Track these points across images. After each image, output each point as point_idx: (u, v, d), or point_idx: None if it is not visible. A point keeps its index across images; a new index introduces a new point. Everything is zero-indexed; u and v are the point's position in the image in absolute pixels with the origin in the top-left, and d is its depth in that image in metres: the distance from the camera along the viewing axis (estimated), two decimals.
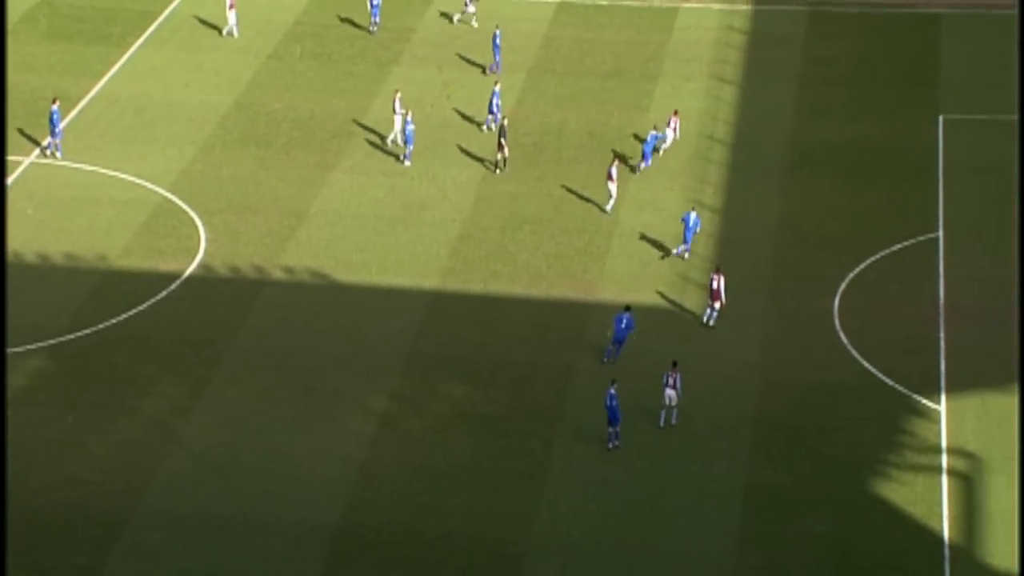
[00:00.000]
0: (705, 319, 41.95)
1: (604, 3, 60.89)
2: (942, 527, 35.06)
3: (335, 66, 56.71)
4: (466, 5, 58.63)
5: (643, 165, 49.29)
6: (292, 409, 39.33)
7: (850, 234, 45.88)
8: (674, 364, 38.19)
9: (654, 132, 49.71)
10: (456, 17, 58.74)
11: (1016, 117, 51.12)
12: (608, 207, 46.94)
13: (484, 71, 55.20)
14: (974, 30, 57.23)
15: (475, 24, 58.20)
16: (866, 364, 40.38)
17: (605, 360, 40.36)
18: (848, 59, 56.03)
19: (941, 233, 45.83)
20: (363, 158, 50.95)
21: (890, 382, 39.62)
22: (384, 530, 35.67)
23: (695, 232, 44.79)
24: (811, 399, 39.03)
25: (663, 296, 43.60)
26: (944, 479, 36.50)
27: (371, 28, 58.39)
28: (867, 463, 37.07)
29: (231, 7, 58.11)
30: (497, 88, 51.23)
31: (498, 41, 55.07)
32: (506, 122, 49.90)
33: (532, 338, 42.06)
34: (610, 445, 37.59)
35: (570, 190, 48.71)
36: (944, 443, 37.63)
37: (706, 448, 37.81)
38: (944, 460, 37.13)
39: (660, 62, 56.46)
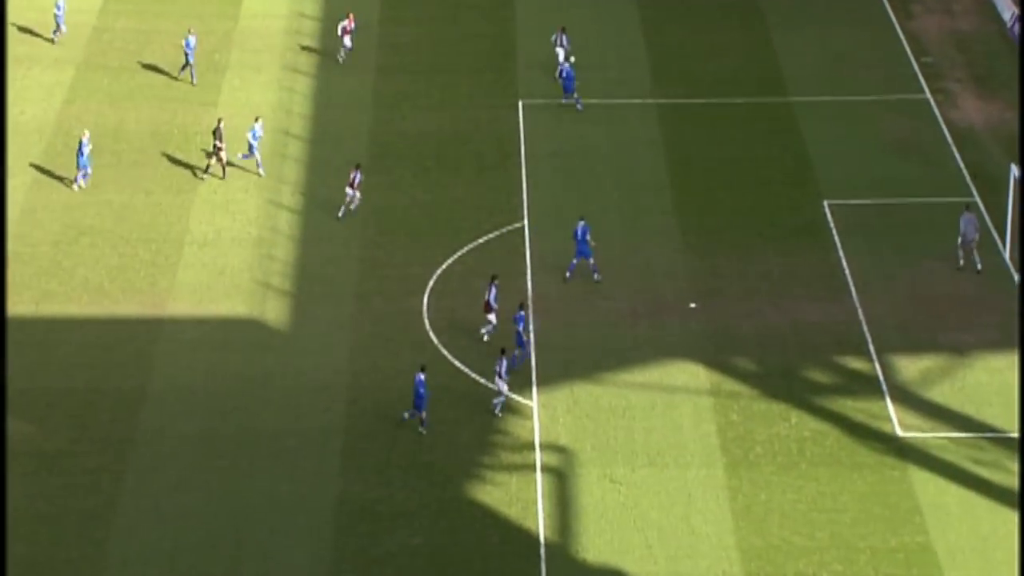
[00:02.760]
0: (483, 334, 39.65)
1: None
2: (538, 525, 34.26)
3: None
4: (341, 37, 52.29)
5: (567, 100, 49.80)
6: None
7: (436, 229, 44.57)
8: (502, 351, 37.30)
9: (566, 65, 49.68)
10: (340, 56, 52.51)
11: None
12: (340, 212, 44.11)
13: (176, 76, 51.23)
14: (547, 13, 56.94)
15: (342, 60, 52.55)
16: (458, 364, 39.10)
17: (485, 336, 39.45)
18: (425, 46, 54.74)
19: (526, 222, 45.09)
20: None
21: (483, 380, 38.42)
22: None
23: (588, 241, 41.34)
24: (403, 405, 37.38)
25: (242, 306, 41.09)
26: (539, 476, 35.69)
27: (54, 36, 52.97)
28: (462, 467, 35.84)
29: None
30: (257, 124, 46.25)
31: (191, 45, 50.64)
32: (223, 124, 45.81)
33: (95, 361, 38.85)
34: (422, 430, 36.67)
35: (133, 196, 45.38)
36: (538, 439, 36.81)
37: (294, 466, 35.74)
38: (538, 457, 36.29)
39: (227, 53, 53.55)
